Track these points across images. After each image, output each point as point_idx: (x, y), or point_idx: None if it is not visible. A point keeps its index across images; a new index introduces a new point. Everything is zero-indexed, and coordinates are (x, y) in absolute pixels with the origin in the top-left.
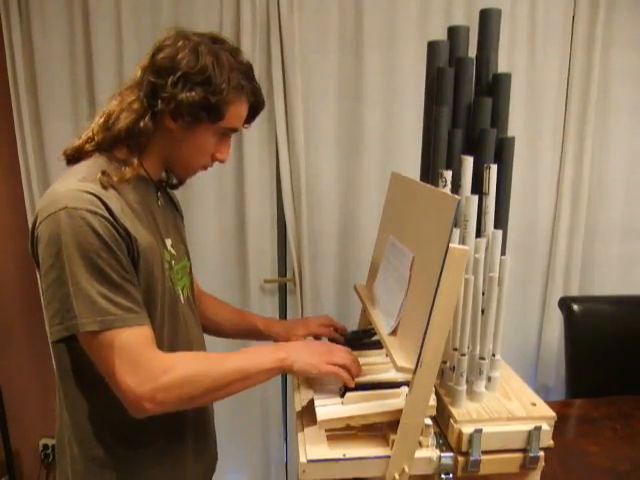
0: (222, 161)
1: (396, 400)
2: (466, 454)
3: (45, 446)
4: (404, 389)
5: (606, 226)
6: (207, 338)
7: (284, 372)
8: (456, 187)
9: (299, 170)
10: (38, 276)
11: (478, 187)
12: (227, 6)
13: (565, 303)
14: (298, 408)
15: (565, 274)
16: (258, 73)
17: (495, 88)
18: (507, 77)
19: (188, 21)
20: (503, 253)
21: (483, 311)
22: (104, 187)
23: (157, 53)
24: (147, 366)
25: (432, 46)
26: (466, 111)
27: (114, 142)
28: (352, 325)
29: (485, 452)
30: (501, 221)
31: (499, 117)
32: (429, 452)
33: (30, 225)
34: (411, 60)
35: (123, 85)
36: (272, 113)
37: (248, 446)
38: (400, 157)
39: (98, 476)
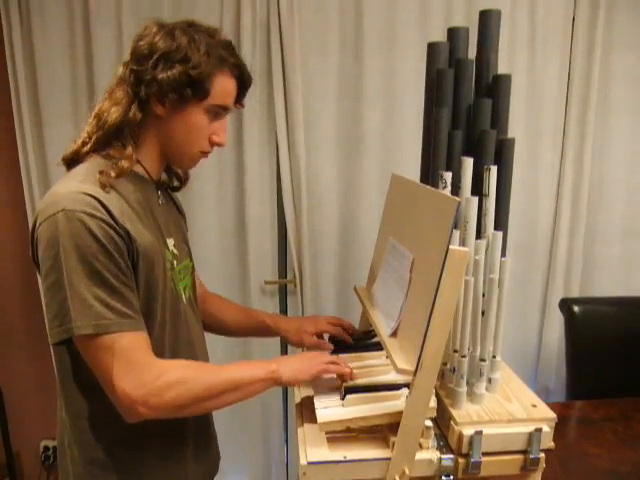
0: (220, 144)
1: (396, 402)
2: (467, 456)
3: (46, 448)
4: (404, 391)
5: (606, 227)
6: (208, 338)
7: (276, 384)
8: (456, 188)
9: (299, 170)
10: (38, 277)
11: (478, 188)
12: (227, 8)
13: (566, 304)
14: (297, 400)
15: (565, 275)
16: (258, 73)
17: (495, 89)
18: (507, 78)
19: None
20: (503, 254)
21: (483, 313)
22: (104, 188)
23: (136, 43)
24: (141, 370)
25: (432, 47)
26: (466, 112)
27: (108, 139)
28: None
29: (486, 454)
30: (501, 222)
31: (499, 118)
32: (429, 454)
33: (30, 226)
34: (411, 61)
35: (110, 84)
36: (272, 113)
37: (249, 447)
38: (400, 158)
39: (99, 478)
